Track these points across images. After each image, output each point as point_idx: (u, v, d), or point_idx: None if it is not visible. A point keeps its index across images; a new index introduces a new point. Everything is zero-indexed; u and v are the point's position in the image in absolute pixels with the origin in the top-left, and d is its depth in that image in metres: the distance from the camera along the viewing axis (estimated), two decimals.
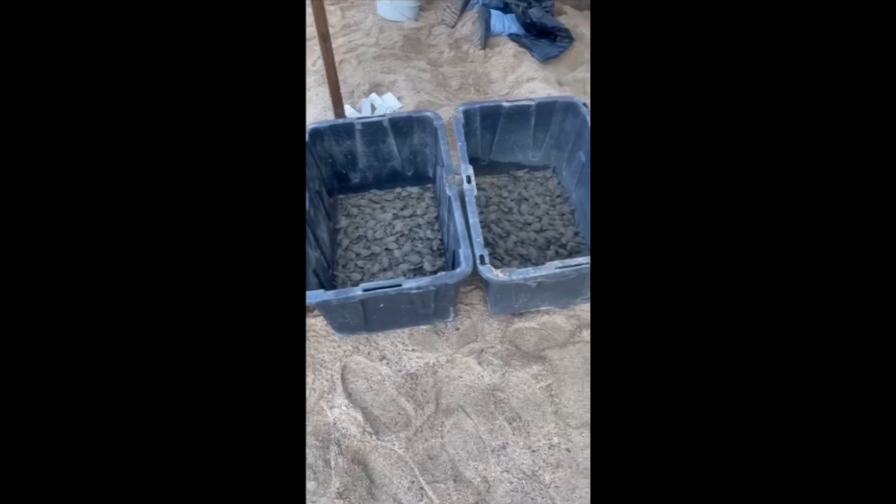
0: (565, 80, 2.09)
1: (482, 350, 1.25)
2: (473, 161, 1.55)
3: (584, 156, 1.42)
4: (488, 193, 1.56)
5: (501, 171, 1.63)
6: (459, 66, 2.19)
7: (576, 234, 1.46)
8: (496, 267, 1.09)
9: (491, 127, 1.49)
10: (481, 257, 1.09)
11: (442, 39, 2.35)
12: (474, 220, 1.16)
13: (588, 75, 2.09)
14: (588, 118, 1.39)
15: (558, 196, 1.57)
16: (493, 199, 1.54)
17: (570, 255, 1.40)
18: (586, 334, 1.28)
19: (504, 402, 1.16)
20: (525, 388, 1.18)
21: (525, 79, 2.04)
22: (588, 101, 1.54)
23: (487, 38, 2.27)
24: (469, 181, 1.22)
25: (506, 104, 1.43)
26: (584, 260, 1.09)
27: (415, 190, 1.59)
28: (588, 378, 1.20)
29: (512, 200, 1.55)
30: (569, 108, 1.46)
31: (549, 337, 1.29)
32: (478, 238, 1.12)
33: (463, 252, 1.10)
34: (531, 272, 1.07)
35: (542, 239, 1.43)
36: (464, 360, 1.23)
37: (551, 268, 1.08)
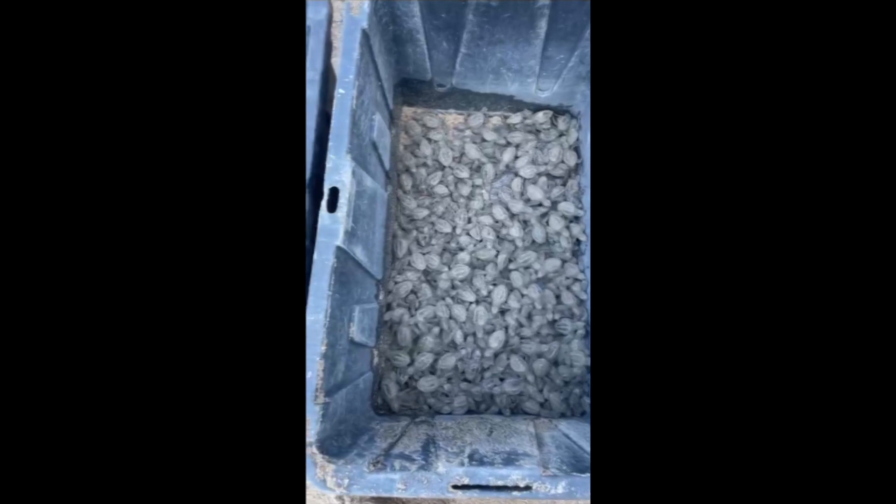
0: None
1: None
2: (417, 84, 0.78)
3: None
4: (432, 157, 0.82)
5: (473, 104, 0.84)
6: None
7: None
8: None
9: (451, 27, 0.68)
10: (319, 444, 0.49)
11: None
12: (316, 315, 0.51)
13: None
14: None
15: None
16: (439, 176, 0.81)
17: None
18: None
19: None
20: None
21: None
22: None
23: None
24: (336, 195, 0.53)
25: None
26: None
27: None
28: None
29: (475, 186, 0.82)
30: None
31: None
32: (314, 366, 0.50)
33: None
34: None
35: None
36: None
37: None
